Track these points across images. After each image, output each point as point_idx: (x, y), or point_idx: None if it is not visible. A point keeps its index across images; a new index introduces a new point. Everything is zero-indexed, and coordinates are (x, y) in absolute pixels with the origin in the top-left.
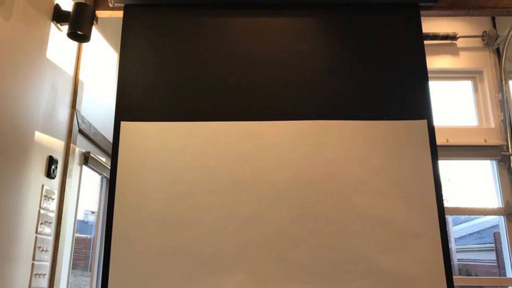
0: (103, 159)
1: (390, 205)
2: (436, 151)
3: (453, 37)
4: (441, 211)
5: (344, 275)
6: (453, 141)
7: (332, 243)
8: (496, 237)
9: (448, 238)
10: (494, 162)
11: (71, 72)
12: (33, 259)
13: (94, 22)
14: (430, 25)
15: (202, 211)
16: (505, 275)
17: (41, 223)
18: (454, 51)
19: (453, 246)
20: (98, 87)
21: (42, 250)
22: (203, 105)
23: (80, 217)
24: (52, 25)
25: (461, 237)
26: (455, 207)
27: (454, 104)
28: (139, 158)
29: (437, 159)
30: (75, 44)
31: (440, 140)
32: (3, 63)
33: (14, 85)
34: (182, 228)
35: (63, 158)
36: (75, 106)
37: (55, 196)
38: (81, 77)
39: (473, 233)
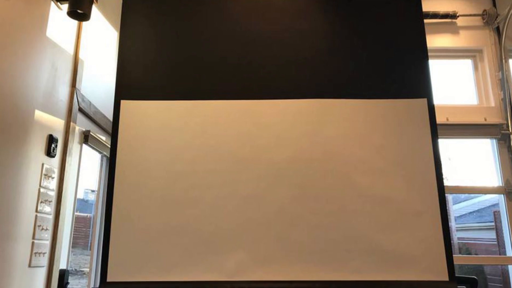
0: (103, 137)
1: (390, 184)
2: (436, 130)
3: (453, 16)
4: (441, 190)
5: (344, 253)
6: (453, 119)
7: (332, 222)
8: (496, 216)
9: (448, 216)
10: (494, 140)
11: (71, 50)
12: (33, 237)
13: (94, 0)
14: (430, 3)
15: (202, 190)
16: (505, 254)
17: (41, 202)
18: (454, 29)
19: (453, 224)
20: (98, 65)
21: (42, 228)
22: (203, 83)
23: (80, 195)
24: (52, 4)
25: (461, 216)
26: (455, 185)
27: (454, 82)
28: (139, 137)
29: (437, 138)
30: (75, 23)
31: (440, 118)
32: (3, 42)
33: (14, 63)
34: (182, 207)
35: (63, 136)
36: (75, 84)
37: (55, 175)
38: (81, 55)
39: (473, 211)
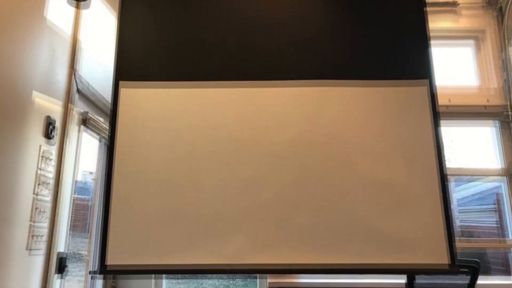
0: (101, 119)
1: (391, 168)
2: (437, 113)
3: None
4: (443, 173)
5: (344, 237)
6: (455, 102)
7: (333, 205)
8: (498, 199)
9: (450, 200)
10: (497, 122)
11: (69, 32)
12: (31, 221)
13: None
14: None
15: (201, 173)
16: (507, 237)
17: (39, 185)
18: (455, 10)
19: (454, 208)
20: (97, 47)
21: (40, 212)
22: (203, 66)
23: (79, 178)
24: None
25: (462, 199)
26: (457, 168)
27: (456, 64)
28: (138, 119)
29: (438, 120)
30: (73, 4)
31: (441, 101)
32: (2, 24)
33: (12, 45)
34: (181, 190)
35: (61, 119)
36: (73, 66)
37: (53, 158)
38: (79, 37)
39: (475, 195)
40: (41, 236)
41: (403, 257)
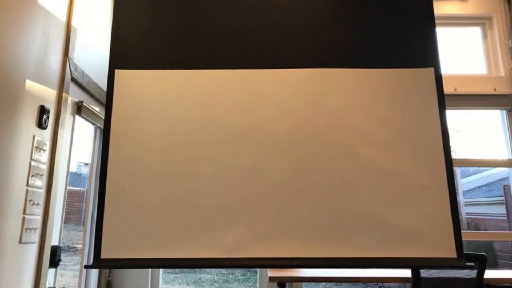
0: (96, 108)
1: (396, 157)
2: (443, 100)
3: None
4: (449, 163)
5: (347, 229)
6: (461, 90)
7: (335, 196)
8: (506, 190)
9: (456, 191)
10: (504, 111)
11: (63, 17)
12: (24, 212)
13: None
14: None
15: (200, 163)
16: None
17: (32, 175)
18: None
19: (461, 199)
20: (92, 33)
21: (33, 203)
22: (201, 52)
23: (73, 169)
24: None
25: (469, 190)
26: (463, 158)
27: (462, 51)
28: (134, 108)
29: (445, 109)
30: None
31: (447, 88)
32: None
33: (4, 31)
34: (179, 180)
35: (55, 107)
36: (67, 53)
37: (47, 147)
38: (74, 23)
39: (482, 185)
40: (35, 228)
41: (407, 250)
